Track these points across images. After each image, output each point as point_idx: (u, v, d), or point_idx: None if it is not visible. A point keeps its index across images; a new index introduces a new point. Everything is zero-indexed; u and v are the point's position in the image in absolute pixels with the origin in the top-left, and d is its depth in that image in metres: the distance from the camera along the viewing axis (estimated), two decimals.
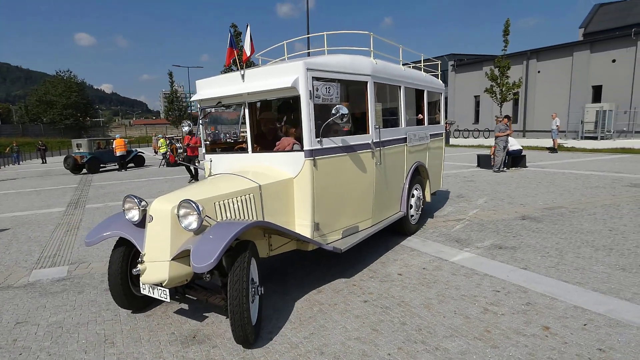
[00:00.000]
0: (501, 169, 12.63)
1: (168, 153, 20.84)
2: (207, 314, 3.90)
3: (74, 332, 3.67)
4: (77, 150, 19.57)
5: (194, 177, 13.75)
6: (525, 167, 13.46)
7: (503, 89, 15.71)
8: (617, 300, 3.78)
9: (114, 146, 19.85)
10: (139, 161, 21.55)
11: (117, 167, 20.08)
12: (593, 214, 6.99)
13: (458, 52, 45.58)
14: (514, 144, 13.30)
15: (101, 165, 19.94)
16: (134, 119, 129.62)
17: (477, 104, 33.43)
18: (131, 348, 3.36)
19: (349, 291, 4.27)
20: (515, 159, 13.40)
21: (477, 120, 33.51)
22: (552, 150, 18.95)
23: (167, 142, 22.70)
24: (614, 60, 24.85)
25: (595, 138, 23.65)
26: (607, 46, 25.18)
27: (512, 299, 3.93)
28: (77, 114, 59.41)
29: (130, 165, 21.02)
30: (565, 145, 20.60)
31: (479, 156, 14.48)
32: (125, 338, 3.53)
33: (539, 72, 28.93)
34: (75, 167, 19.20)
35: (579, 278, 4.32)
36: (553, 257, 5.00)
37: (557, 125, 18.99)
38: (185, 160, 13.78)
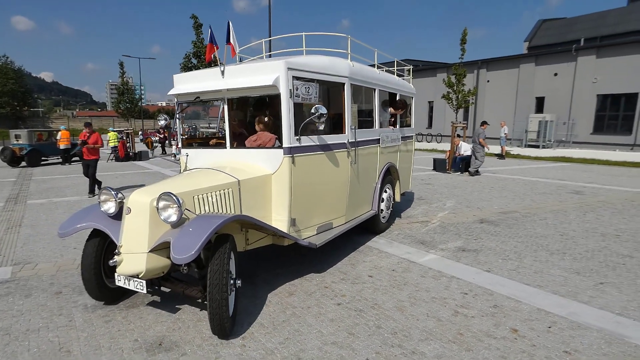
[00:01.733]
0: (475, 173, 13.26)
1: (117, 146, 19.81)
2: (172, 319, 3.69)
3: (24, 340, 3.36)
4: (15, 142, 18.13)
5: (95, 187, 10.00)
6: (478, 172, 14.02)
7: (459, 96, 16.39)
8: (576, 303, 3.98)
9: (58, 138, 18.59)
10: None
11: (60, 160, 18.82)
12: (544, 218, 7.38)
13: (413, 58, 46.90)
14: (467, 149, 13.84)
15: (42, 158, 18.61)
16: (78, 110, 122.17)
17: (431, 109, 34.51)
18: (90, 357, 3.11)
19: (322, 294, 4.21)
20: (469, 164, 13.93)
21: (430, 125, 34.59)
22: (500, 156, 19.92)
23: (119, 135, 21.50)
24: (555, 74, 26.49)
25: (537, 146, 25.09)
26: (550, 60, 26.80)
27: (479, 301, 4.04)
28: (13, 103, 55.05)
29: (74, 159, 19.77)
30: (511, 153, 21.72)
31: (435, 160, 14.95)
32: (82, 346, 3.27)
33: (488, 81, 30.31)
34: (13, 159, 17.77)
35: (538, 281, 4.52)
36: (513, 260, 5.21)
37: (506, 133, 20.01)
38: (83, 165, 9.88)
